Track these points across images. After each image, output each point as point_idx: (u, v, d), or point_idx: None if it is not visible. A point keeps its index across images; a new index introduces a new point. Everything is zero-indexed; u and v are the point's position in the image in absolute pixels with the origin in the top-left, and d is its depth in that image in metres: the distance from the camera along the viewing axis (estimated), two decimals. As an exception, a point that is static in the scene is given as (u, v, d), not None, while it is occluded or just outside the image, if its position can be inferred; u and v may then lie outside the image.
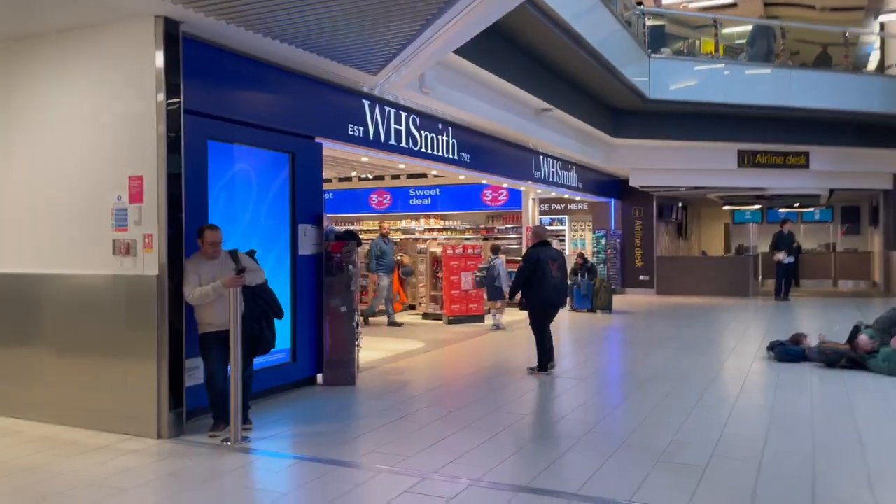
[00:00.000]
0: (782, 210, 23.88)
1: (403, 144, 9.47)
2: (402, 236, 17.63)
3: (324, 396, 7.27)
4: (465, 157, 11.25)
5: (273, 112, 7.09)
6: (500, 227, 16.96)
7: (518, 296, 8.26)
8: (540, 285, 8.03)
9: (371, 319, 13.19)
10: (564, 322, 13.81)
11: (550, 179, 15.05)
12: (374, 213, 18.19)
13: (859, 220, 24.68)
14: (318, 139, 7.84)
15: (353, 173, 15.29)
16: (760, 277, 21.42)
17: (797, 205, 23.13)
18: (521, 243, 16.40)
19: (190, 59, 5.95)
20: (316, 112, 7.75)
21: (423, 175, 16.88)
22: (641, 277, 20.17)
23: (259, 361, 6.70)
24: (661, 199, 21.01)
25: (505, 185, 15.11)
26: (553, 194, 17.16)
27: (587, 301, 15.29)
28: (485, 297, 13.09)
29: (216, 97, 6.34)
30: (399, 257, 13.70)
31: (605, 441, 5.57)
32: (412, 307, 14.83)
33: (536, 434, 5.86)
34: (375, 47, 6.63)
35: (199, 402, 5.96)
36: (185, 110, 5.89)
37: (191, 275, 5.67)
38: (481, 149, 11.87)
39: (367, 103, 8.62)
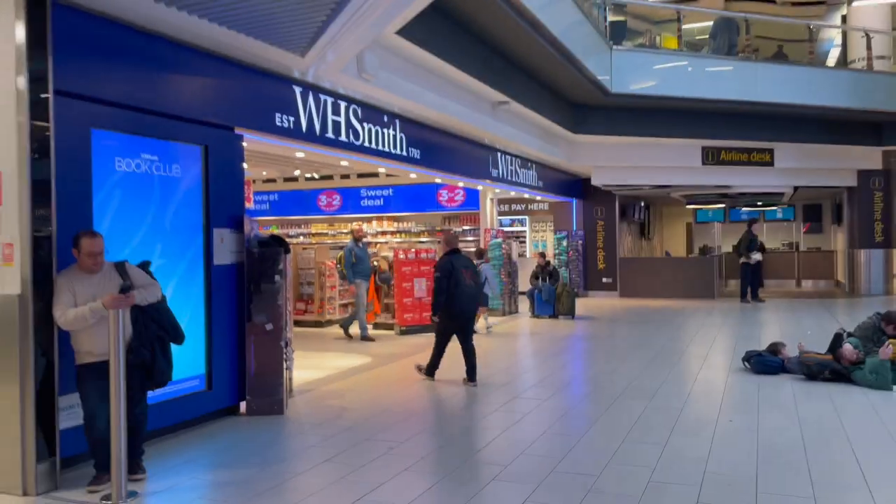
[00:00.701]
0: (745, 209, 23.47)
1: (343, 138, 8.46)
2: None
3: (245, 430, 6.23)
4: (416, 153, 10.29)
5: (180, 97, 6.03)
6: (457, 229, 16.04)
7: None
8: (454, 294, 7.76)
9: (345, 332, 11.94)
10: (525, 329, 12.93)
11: (509, 178, 14.18)
12: (324, 214, 17.12)
13: (821, 219, 24.42)
14: (238, 130, 6.80)
15: (297, 172, 14.20)
16: (724, 279, 20.92)
17: (760, 203, 22.72)
18: (479, 246, 15.49)
19: (64, 31, 4.87)
20: (235, 99, 6.71)
21: (375, 174, 15.90)
22: (604, 280, 19.47)
23: (165, 392, 5.65)
24: (624, 198, 20.36)
25: (461, 185, 14.18)
26: (512, 194, 16.32)
27: (549, 307, 14.46)
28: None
29: (103, 78, 5.26)
30: (376, 262, 12.51)
31: (572, 485, 4.65)
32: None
33: (492, 476, 4.92)
34: (297, 19, 5.62)
35: (80, 448, 4.88)
36: (56, 92, 4.81)
37: (63, 293, 4.59)
38: (433, 145, 10.92)
39: (298, 90, 7.59)
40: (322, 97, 8.03)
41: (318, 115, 7.95)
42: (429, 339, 11.24)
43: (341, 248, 14.74)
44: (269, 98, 7.20)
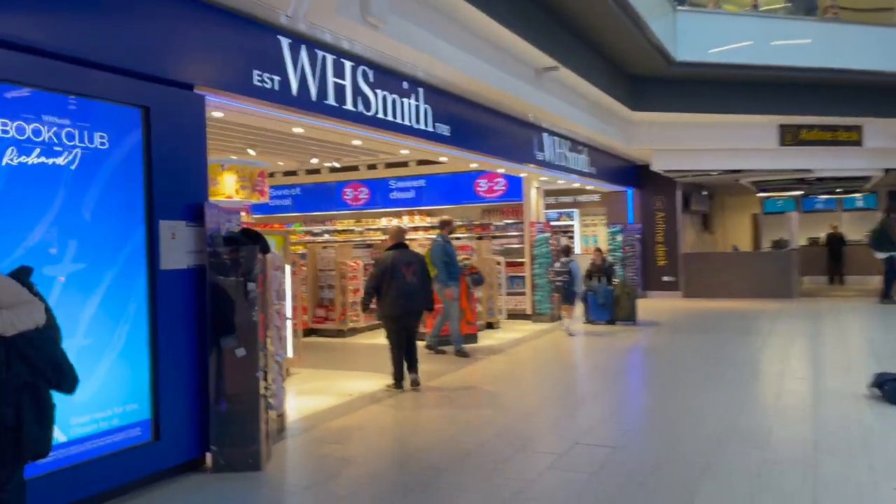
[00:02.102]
0: (823, 196, 20.98)
1: (349, 107, 6.69)
2: (383, 237, 14.84)
3: (207, 495, 4.51)
4: (444, 129, 8.47)
5: (108, 39, 4.34)
6: (498, 223, 14.16)
7: (373, 305, 7.70)
8: (390, 292, 7.30)
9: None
10: (580, 341, 11.01)
11: (557, 163, 12.25)
12: (350, 209, 15.43)
13: (907, 206, 21.72)
14: (199, 89, 5.08)
15: (314, 160, 12.52)
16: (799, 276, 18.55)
17: (839, 190, 20.24)
18: (522, 242, 13.60)
19: None
20: (195, 47, 5.00)
21: (405, 164, 14.14)
22: (665, 278, 17.34)
23: (86, 449, 3.98)
24: (686, 186, 18.18)
25: (501, 171, 12.30)
26: (560, 182, 14.36)
27: (605, 311, 12.48)
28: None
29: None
30: (466, 260, 10.18)
31: None
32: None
33: None
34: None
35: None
36: None
37: None
38: (466, 120, 9.09)
39: (285, 43, 5.86)
40: (319, 53, 6.27)
41: (315, 75, 6.20)
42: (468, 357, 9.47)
43: (369, 245, 13.05)
44: (246, 50, 5.47)
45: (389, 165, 14.33)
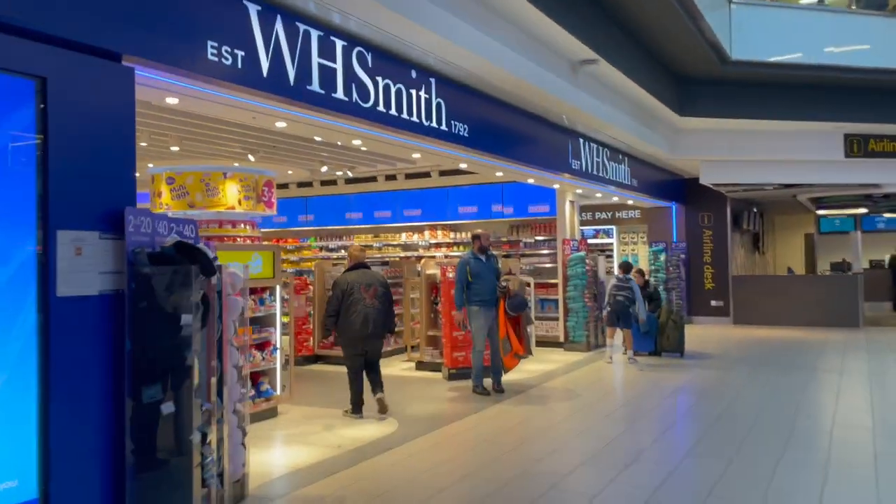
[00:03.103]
0: (888, 215, 19.17)
1: (340, 95, 5.48)
2: (403, 253, 13.63)
3: None
4: (462, 129, 7.21)
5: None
6: (528, 240, 12.82)
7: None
8: (348, 316, 6.90)
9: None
10: (618, 376, 9.58)
11: (595, 173, 10.89)
12: (369, 223, 14.25)
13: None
14: (128, 60, 3.90)
15: (325, 169, 11.37)
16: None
17: (906, 208, 18.44)
18: (555, 261, 12.24)
19: None
20: (124, 6, 3.83)
21: (426, 174, 12.92)
22: (713, 303, 15.77)
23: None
24: (736, 202, 16.62)
25: (531, 181, 10.97)
26: (598, 196, 12.99)
27: (648, 341, 11.02)
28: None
29: None
30: (506, 281, 8.45)
31: None
32: (409, 350, 10.76)
33: None
34: None
35: None
36: None
37: None
38: (488, 120, 7.83)
39: (253, 9, 4.67)
40: (301, 26, 5.07)
41: (294, 54, 5.00)
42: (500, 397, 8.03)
43: (384, 263, 11.82)
44: (198, 13, 4.29)
45: (409, 177, 13.14)
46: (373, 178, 13.48)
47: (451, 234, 13.39)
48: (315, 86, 5.20)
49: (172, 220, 4.48)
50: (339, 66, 5.45)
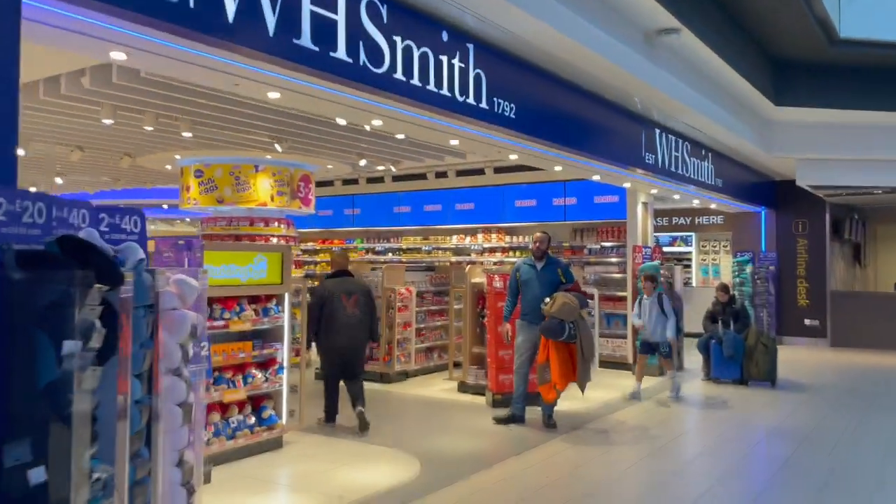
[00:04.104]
0: None
1: (342, 55, 4.30)
2: (454, 258, 12.41)
3: None
4: (507, 109, 5.92)
5: None
6: (593, 246, 11.37)
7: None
8: (328, 325, 6.51)
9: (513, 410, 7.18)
10: (693, 409, 8.06)
11: (673, 169, 9.37)
12: (419, 224, 13.09)
13: None
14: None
15: (363, 162, 10.26)
16: None
17: None
18: (623, 271, 10.76)
19: None
20: None
21: (479, 171, 11.67)
22: (807, 322, 13.85)
23: None
24: (836, 207, 14.63)
25: (596, 178, 9.55)
26: (676, 197, 11.42)
27: (733, 366, 9.40)
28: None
29: None
30: (546, 302, 6.63)
31: None
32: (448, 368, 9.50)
33: None
34: None
35: None
36: None
37: None
38: (540, 100, 6.51)
39: (214, -68, 3.54)
40: (285, -39, 3.92)
41: (275, -4, 3.85)
42: (535, 418, 6.57)
43: (430, 268, 10.63)
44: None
45: (461, 174, 11.92)
46: (422, 176, 12.32)
47: (507, 238, 12.09)
48: (305, 40, 4.03)
49: (102, 210, 3.40)
50: (340, 17, 4.27)
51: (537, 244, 6.98)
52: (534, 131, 6.32)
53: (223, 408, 5.74)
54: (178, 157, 9.89)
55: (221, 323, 5.63)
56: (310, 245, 14.01)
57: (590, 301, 9.49)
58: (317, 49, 4.11)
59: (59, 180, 11.89)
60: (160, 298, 3.34)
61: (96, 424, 2.80)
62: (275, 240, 10.38)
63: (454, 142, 6.52)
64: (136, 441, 3.17)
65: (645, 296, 8.41)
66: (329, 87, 4.50)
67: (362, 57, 4.44)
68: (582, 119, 7.26)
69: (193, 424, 3.72)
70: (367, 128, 6.77)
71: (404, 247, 13.22)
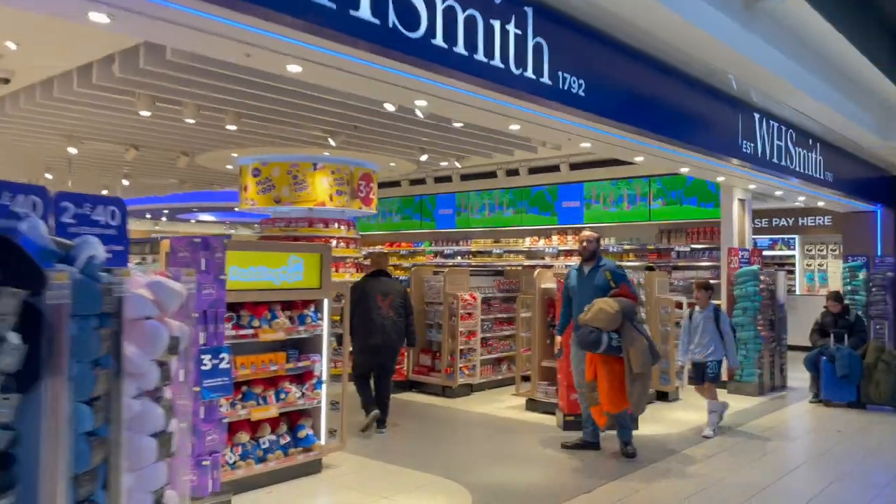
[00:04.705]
0: None
1: (366, 16, 3.59)
2: (527, 262, 11.54)
3: None
4: (575, 85, 5.06)
5: None
6: (682, 249, 10.25)
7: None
8: (361, 325, 6.36)
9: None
10: (803, 435, 6.89)
11: (775, 160, 8.20)
12: (489, 226, 12.29)
13: None
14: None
15: (424, 157, 9.56)
16: None
17: None
18: (717, 276, 9.61)
19: None
20: None
21: (554, 168, 10.76)
22: (933, 336, 12.12)
23: None
24: (967, 206, 12.82)
25: (684, 171, 8.48)
26: (778, 194, 10.15)
27: (848, 387, 8.11)
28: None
29: None
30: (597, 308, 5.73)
31: None
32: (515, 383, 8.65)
33: None
34: None
35: None
36: None
37: None
38: (615, 76, 5.61)
39: None
40: None
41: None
42: (612, 444, 5.44)
43: (498, 273, 9.82)
44: None
45: (534, 171, 11.05)
46: (492, 174, 11.53)
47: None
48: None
49: (66, 197, 2.84)
50: (364, -30, 3.55)
51: (584, 244, 6.10)
52: (608, 112, 5.42)
53: (253, 427, 5.13)
54: (234, 155, 9.51)
55: (250, 332, 5.02)
56: (377, 248, 13.47)
57: (677, 308, 8.43)
58: (332, 6, 3.41)
59: (125, 182, 11.84)
60: (124, 305, 2.71)
61: (13, 467, 2.19)
62: (334, 242, 9.84)
63: (514, 126, 5.68)
64: (87, 483, 2.54)
65: (697, 309, 6.99)
66: (353, 56, 3.80)
67: (391, 18, 3.71)
68: (666, 100, 6.29)
69: (179, 458, 3.10)
70: (420, 114, 6.06)
71: (473, 250, 12.46)
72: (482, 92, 4.54)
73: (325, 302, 5.54)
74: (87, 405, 2.46)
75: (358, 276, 9.70)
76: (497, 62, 4.38)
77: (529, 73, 4.64)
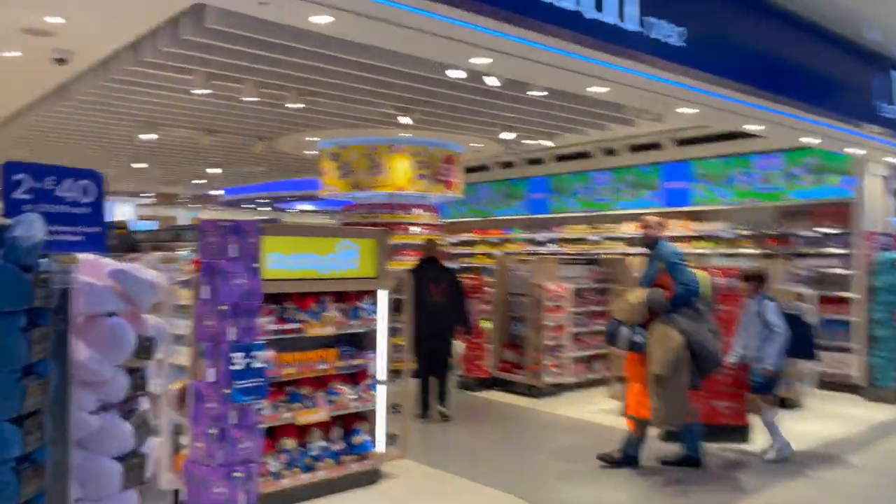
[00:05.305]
0: None
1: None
2: (627, 249, 10.56)
3: None
4: (670, 34, 4.19)
5: None
6: (806, 234, 8.96)
7: None
8: (415, 312, 5.78)
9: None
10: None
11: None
12: (584, 211, 11.38)
13: None
14: None
15: (507, 135, 8.79)
16: None
17: None
18: (849, 265, 8.31)
19: None
20: None
21: (655, 146, 9.74)
22: None
23: None
24: None
25: (807, 140, 7.27)
26: (925, 168, 8.66)
27: None
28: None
29: None
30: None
31: None
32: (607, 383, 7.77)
33: None
34: None
35: None
36: None
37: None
38: (722, 24, 4.66)
39: None
40: None
41: None
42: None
43: (591, 262, 8.96)
44: None
45: (633, 150, 10.04)
46: (587, 154, 10.60)
47: (693, 225, 9.99)
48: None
49: (19, 168, 2.38)
50: None
51: (643, 230, 5.26)
52: (714, 68, 4.51)
53: (300, 432, 4.64)
54: (313, 139, 9.14)
55: (295, 326, 4.51)
56: (466, 236, 12.83)
57: (801, 303, 7.25)
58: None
59: (217, 171, 11.83)
60: (73, 299, 2.20)
61: None
62: (416, 229, 9.31)
63: (598, 88, 4.84)
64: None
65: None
66: (398, 2, 3.14)
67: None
68: (780, 52, 5.25)
69: (153, 482, 2.58)
70: (489, 82, 5.33)
71: (568, 237, 11.56)
72: (555, 43, 3.78)
73: (382, 293, 4.96)
74: (12, 424, 1.96)
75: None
76: (567, 3, 3.60)
77: (609, 18, 3.83)
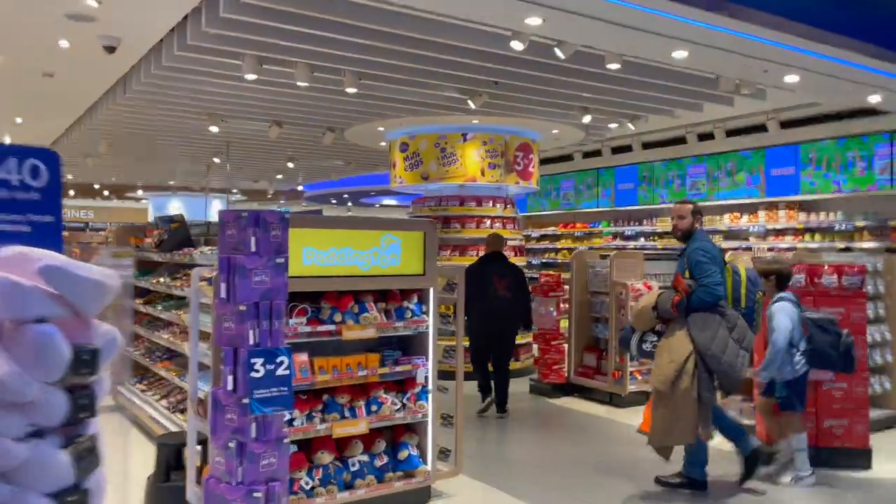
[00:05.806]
0: None
1: None
2: (726, 244, 9.60)
3: None
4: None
5: None
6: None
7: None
8: (478, 305, 6.13)
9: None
10: None
11: None
12: (675, 202, 10.44)
13: None
14: None
15: (587, 118, 8.04)
16: None
17: None
18: None
19: None
20: None
21: (761, 128, 8.74)
22: None
23: None
24: None
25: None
26: None
27: None
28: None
29: None
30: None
31: None
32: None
33: None
34: None
35: None
36: None
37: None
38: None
39: None
40: None
41: None
42: None
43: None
44: None
45: (732, 133, 9.06)
46: (680, 140, 9.68)
47: (801, 216, 8.91)
48: None
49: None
50: None
51: (675, 220, 4.58)
52: (821, 20, 3.70)
53: (339, 445, 4.19)
54: (382, 129, 8.75)
55: (331, 328, 4.06)
56: (550, 230, 12.12)
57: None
58: None
59: (290, 164, 11.70)
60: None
61: None
62: (489, 222, 8.75)
63: (680, 53, 4.11)
64: None
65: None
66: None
67: None
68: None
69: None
70: (559, 53, 4.69)
71: (659, 230, 10.67)
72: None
73: (431, 292, 4.45)
74: None
75: (517, 261, 8.54)
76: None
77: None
